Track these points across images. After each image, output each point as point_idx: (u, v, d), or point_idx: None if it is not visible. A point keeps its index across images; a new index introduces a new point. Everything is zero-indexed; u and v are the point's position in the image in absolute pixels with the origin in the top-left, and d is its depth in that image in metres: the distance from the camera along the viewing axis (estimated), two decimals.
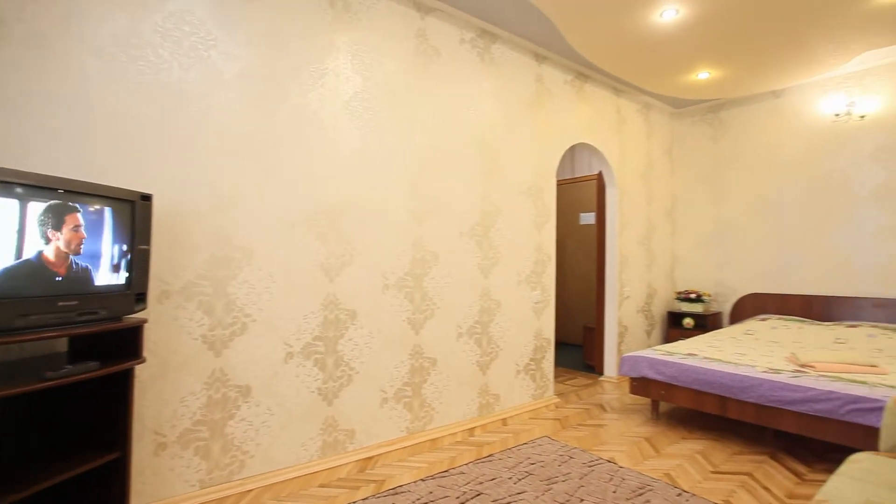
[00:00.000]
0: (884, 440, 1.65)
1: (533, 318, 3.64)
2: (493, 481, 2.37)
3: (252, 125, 2.33)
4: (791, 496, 2.26)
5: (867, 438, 2.31)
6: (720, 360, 3.04)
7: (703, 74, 4.15)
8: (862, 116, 4.08)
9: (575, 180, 6.14)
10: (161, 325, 2.07)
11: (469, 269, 3.21)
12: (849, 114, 4.11)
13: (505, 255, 3.43)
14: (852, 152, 4.16)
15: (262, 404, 2.34)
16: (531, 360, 3.63)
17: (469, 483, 2.35)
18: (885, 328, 3.68)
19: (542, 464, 2.58)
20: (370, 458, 2.65)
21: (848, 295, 4.13)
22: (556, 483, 2.35)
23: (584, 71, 4.08)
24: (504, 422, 3.30)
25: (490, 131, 3.36)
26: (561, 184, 6.31)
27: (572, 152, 6.27)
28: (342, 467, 2.54)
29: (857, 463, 1.50)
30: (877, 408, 2.26)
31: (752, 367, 2.87)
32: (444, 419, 3.06)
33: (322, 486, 2.34)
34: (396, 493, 2.24)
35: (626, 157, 4.59)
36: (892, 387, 2.39)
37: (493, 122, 3.38)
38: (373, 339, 2.74)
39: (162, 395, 2.07)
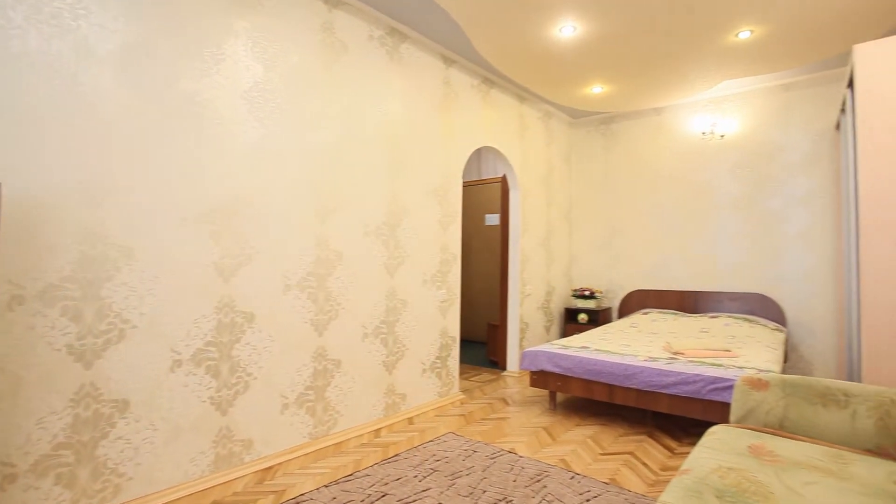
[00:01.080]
0: (734, 413, 1.92)
1: (439, 317, 3.70)
2: (399, 481, 2.37)
3: (132, 109, 2.10)
4: (664, 468, 2.54)
5: (723, 413, 2.67)
6: (608, 352, 3.32)
7: (597, 89, 4.50)
8: (722, 136, 4.70)
9: (481, 182, 6.35)
10: (12, 335, 1.78)
11: (375, 268, 3.18)
12: (712, 133, 4.71)
13: (411, 255, 3.45)
14: (715, 166, 4.78)
15: (144, 419, 2.12)
16: (437, 358, 3.68)
17: (374, 485, 2.32)
18: (738, 318, 4.28)
19: (446, 460, 2.63)
20: (270, 468, 2.52)
21: (711, 290, 4.73)
22: (460, 477, 2.41)
23: (490, 77, 4.23)
24: (410, 421, 3.31)
25: (398, 130, 3.36)
26: (467, 185, 6.50)
27: (479, 155, 6.48)
28: (238, 480, 2.38)
29: (714, 434, 1.73)
30: (730, 386, 2.63)
31: (635, 356, 3.18)
32: (350, 422, 3.00)
33: (215, 502, 2.18)
34: (298, 503, 2.15)
35: (528, 161, 4.84)
36: (742, 368, 2.78)
37: (401, 121, 3.38)
38: (273, 342, 2.60)
39: (11, 417, 1.79)
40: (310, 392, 2.78)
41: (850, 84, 2.80)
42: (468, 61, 3.92)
